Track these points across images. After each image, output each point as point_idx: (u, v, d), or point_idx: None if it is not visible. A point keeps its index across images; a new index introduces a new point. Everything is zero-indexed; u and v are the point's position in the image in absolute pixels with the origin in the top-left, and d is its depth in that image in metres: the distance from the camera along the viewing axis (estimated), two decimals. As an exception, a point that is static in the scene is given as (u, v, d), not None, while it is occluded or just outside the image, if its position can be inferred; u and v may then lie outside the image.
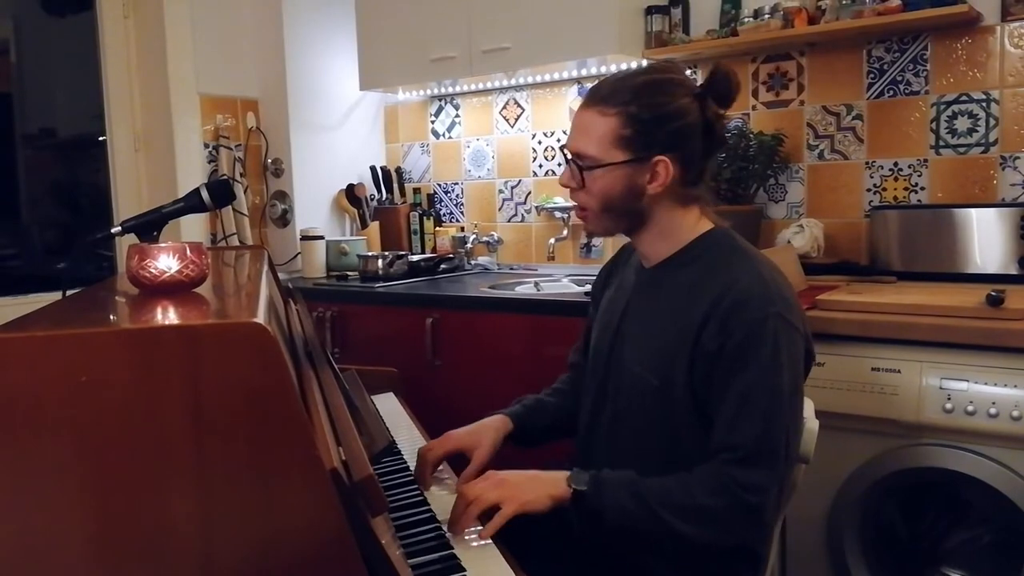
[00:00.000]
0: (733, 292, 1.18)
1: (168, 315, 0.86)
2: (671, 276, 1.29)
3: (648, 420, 1.27)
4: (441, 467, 1.39)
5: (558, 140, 2.94)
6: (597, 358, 1.39)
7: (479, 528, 1.15)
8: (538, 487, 1.18)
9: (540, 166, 3.00)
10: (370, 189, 3.25)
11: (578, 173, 1.27)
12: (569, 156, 1.29)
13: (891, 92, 2.31)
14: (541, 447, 1.47)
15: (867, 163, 2.36)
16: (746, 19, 2.36)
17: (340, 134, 3.24)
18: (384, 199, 3.26)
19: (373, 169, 3.26)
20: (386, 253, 2.81)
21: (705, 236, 1.29)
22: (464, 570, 1.05)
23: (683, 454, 1.21)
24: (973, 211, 2.09)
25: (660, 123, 1.22)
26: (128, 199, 2.89)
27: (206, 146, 2.95)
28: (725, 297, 1.18)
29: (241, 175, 3.03)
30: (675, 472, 1.18)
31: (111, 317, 0.96)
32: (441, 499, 1.28)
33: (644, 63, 2.50)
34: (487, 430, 1.39)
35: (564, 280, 2.69)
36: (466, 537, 1.14)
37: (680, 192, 1.27)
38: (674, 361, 1.22)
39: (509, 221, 3.10)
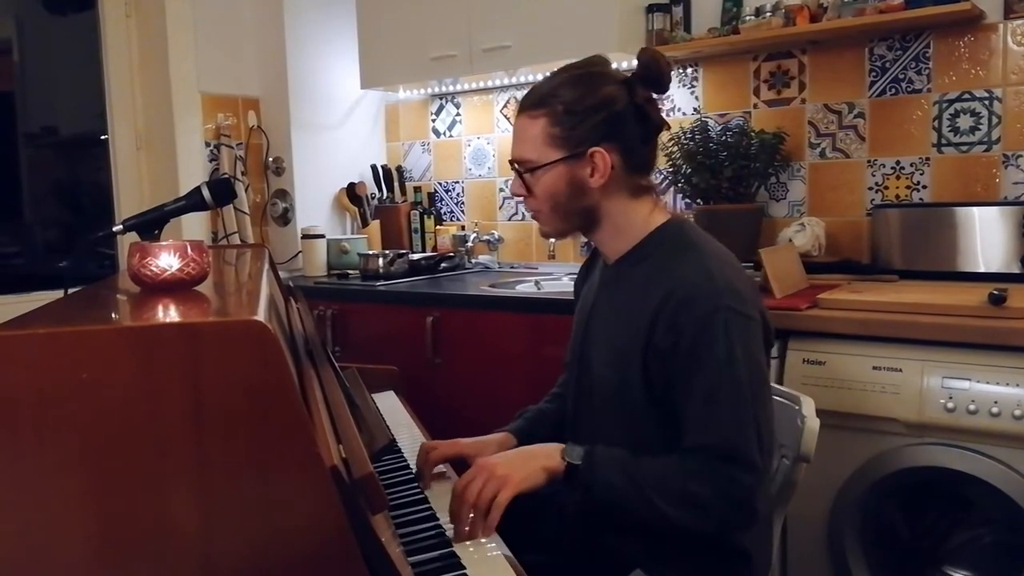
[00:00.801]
0: (680, 290, 1.18)
1: (169, 313, 0.86)
2: (627, 273, 1.30)
3: (615, 419, 1.28)
4: (443, 467, 1.40)
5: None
6: (572, 357, 1.41)
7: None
8: (531, 461, 1.19)
9: (541, 165, 2.99)
10: (371, 188, 3.25)
11: (520, 179, 1.30)
12: (514, 165, 1.32)
13: (893, 90, 2.31)
14: None
15: (869, 161, 2.36)
16: (748, 17, 2.36)
17: (341, 133, 3.24)
18: (385, 198, 3.26)
19: (374, 168, 3.26)
20: (387, 252, 2.81)
21: (658, 231, 1.29)
22: (464, 568, 1.05)
23: (649, 452, 1.21)
24: (975, 210, 2.09)
25: (587, 115, 1.24)
26: (129, 197, 2.89)
27: (207, 145, 2.95)
28: (672, 295, 1.18)
29: (242, 173, 3.03)
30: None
31: (112, 315, 0.96)
32: (442, 497, 1.28)
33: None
34: (492, 444, 1.40)
35: (564, 279, 2.69)
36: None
37: (628, 182, 1.28)
38: (629, 360, 1.23)
39: (510, 220, 3.10)
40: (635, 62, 1.31)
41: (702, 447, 1.15)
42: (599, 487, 1.16)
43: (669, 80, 1.28)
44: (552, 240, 2.82)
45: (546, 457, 1.19)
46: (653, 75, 1.26)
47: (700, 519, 1.16)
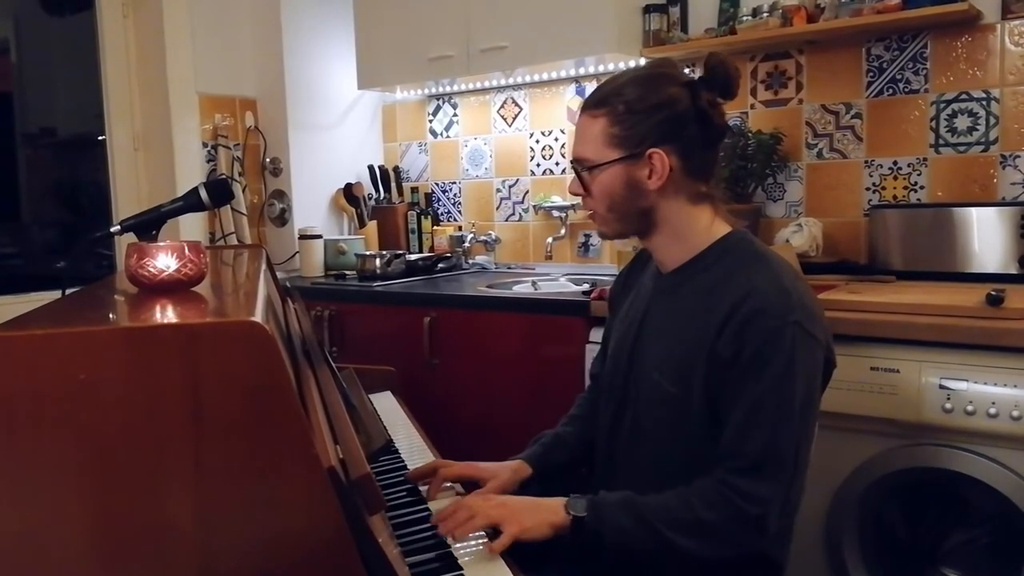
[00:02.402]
0: (752, 299, 1.16)
1: (166, 314, 0.86)
2: (689, 282, 1.27)
3: (666, 429, 1.26)
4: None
5: (556, 139, 2.94)
6: (616, 366, 1.37)
7: (478, 534, 1.15)
8: (537, 515, 1.17)
9: (538, 165, 3.00)
10: (368, 188, 3.25)
11: (579, 178, 1.28)
12: (574, 164, 1.30)
13: (890, 91, 2.31)
14: (562, 482, 1.43)
15: (866, 162, 2.36)
16: (744, 17, 2.36)
17: (338, 133, 3.24)
18: (382, 198, 3.26)
19: (371, 168, 3.26)
20: (384, 252, 2.81)
21: (723, 240, 1.27)
22: (461, 569, 1.05)
23: (700, 465, 1.19)
24: (973, 210, 2.09)
25: (647, 115, 1.22)
26: (127, 198, 2.89)
27: (205, 145, 2.95)
28: (743, 304, 1.16)
29: (240, 174, 3.03)
30: (692, 482, 1.18)
31: (110, 316, 0.95)
32: (441, 500, 1.28)
33: (642, 62, 2.50)
34: (506, 470, 1.37)
35: (562, 279, 2.69)
36: (464, 543, 1.14)
37: (687, 187, 1.25)
38: (692, 369, 1.21)
39: (507, 220, 3.10)
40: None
41: (735, 454, 1.15)
42: (610, 534, 1.15)
43: (736, 85, 1.26)
44: (549, 240, 2.83)
45: (551, 512, 1.17)
46: (720, 79, 1.24)
47: (713, 546, 1.15)
